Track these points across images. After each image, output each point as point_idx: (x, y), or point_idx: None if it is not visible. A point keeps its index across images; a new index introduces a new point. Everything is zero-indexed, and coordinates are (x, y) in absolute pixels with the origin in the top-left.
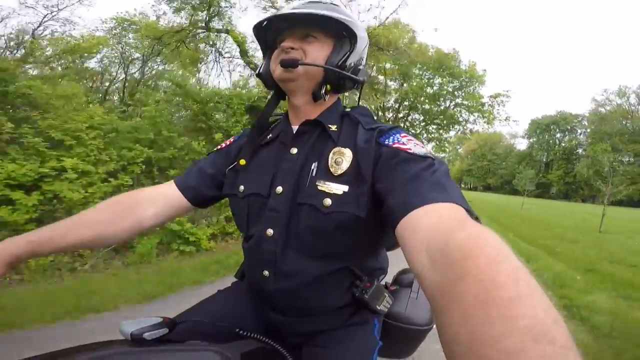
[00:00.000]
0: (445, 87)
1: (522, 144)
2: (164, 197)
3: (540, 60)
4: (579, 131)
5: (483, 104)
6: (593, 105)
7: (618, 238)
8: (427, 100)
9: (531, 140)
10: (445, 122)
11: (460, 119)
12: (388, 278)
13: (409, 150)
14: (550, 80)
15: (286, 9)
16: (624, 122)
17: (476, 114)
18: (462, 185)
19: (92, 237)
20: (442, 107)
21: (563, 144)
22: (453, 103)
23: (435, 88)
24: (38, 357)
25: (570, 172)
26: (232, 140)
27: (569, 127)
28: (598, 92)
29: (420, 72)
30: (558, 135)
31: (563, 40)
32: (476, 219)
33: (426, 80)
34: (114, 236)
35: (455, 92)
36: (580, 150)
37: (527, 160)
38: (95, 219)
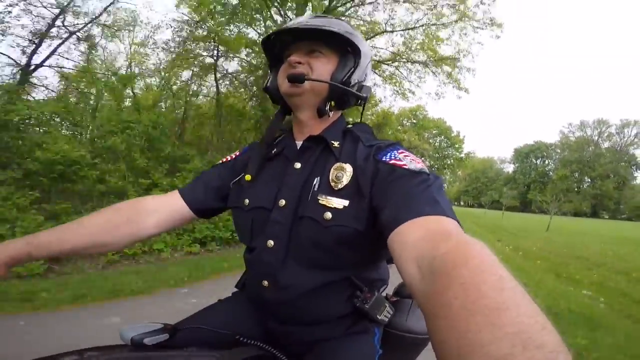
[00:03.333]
0: (443, 144)
1: (509, 168)
2: (167, 206)
3: (529, 94)
4: (554, 157)
5: (461, 158)
6: (560, 136)
7: (503, 222)
8: (431, 152)
9: (515, 165)
10: (441, 166)
11: (449, 164)
12: (390, 290)
13: (405, 166)
14: (536, 113)
15: (293, 22)
16: (589, 149)
17: (456, 163)
18: (461, 204)
19: (91, 243)
20: (439, 157)
21: (539, 169)
22: (444, 154)
23: (437, 144)
24: None
25: (543, 192)
26: (238, 153)
27: (544, 154)
28: (565, 125)
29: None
30: (538, 161)
31: (547, 76)
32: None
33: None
34: (113, 243)
35: (448, 148)
36: (551, 174)
37: (511, 182)
38: (95, 225)
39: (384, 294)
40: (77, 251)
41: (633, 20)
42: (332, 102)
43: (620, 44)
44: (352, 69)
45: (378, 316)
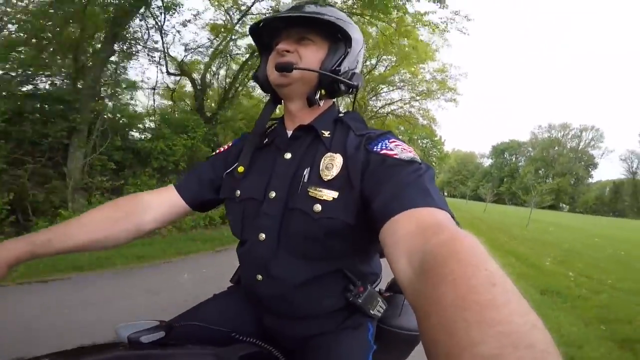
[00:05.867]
0: (428, 145)
1: (488, 162)
2: (163, 201)
3: (510, 95)
4: (526, 154)
5: (443, 157)
6: (531, 136)
7: (464, 206)
8: (418, 151)
9: (492, 160)
10: (426, 161)
11: (432, 161)
12: (383, 285)
13: (396, 156)
14: (515, 112)
15: (282, 10)
16: (554, 149)
17: (437, 161)
18: (445, 194)
19: (92, 240)
20: (425, 155)
21: (512, 165)
22: (429, 153)
23: (423, 146)
24: None
25: (513, 185)
26: (230, 144)
27: (517, 152)
28: (535, 127)
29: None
30: (513, 157)
31: (525, 80)
32: (457, 224)
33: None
34: (113, 239)
35: (432, 149)
36: (520, 170)
37: (488, 176)
38: (94, 222)
39: (377, 289)
40: (78, 248)
41: (599, 34)
42: (323, 91)
43: (592, 54)
44: (343, 56)
45: (371, 311)
